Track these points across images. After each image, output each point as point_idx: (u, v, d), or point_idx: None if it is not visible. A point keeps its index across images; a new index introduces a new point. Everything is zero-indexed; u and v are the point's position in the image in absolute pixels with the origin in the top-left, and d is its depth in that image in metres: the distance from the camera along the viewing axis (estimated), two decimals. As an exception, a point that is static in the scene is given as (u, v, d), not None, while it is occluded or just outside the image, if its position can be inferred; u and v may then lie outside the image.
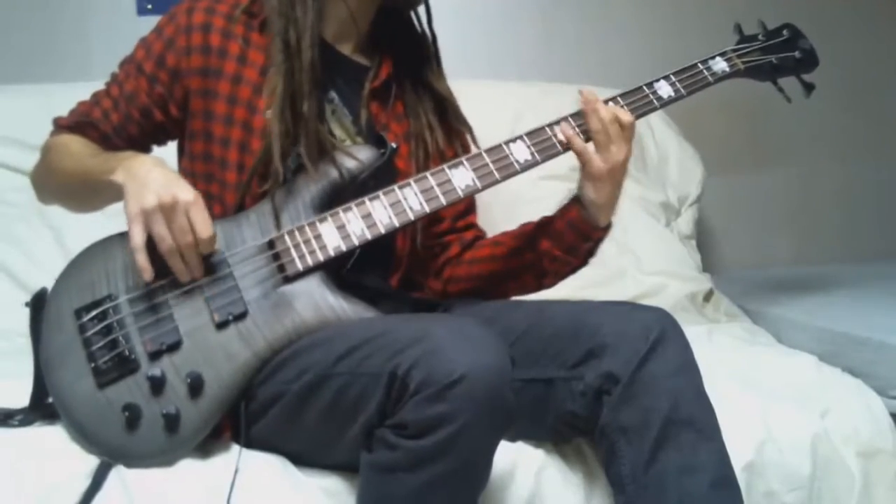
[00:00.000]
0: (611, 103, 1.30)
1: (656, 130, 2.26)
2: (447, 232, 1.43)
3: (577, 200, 1.31)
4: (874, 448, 1.41)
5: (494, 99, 2.03)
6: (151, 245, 1.12)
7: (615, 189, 1.28)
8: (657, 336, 1.14)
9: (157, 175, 1.13)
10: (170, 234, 1.11)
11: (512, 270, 1.38)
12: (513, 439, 1.23)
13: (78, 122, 1.31)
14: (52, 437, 1.12)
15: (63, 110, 1.35)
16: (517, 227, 1.40)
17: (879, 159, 2.69)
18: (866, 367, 1.61)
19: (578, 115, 1.29)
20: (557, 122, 1.29)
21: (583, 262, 1.35)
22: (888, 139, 2.70)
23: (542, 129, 1.29)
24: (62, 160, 1.27)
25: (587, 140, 1.28)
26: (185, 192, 1.12)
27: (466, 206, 1.45)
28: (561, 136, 1.28)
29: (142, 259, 1.11)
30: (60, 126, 1.33)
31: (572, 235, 1.31)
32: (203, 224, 1.12)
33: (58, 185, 1.31)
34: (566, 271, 1.36)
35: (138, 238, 1.11)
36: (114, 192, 1.16)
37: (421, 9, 1.37)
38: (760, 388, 1.44)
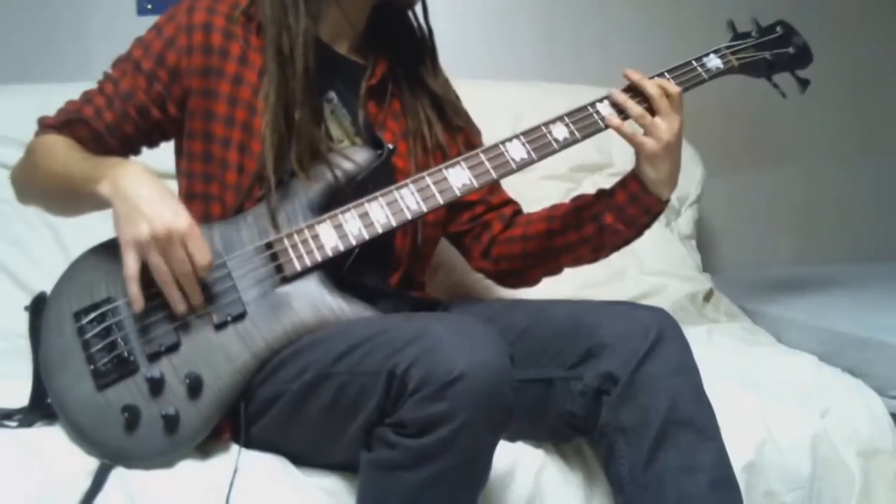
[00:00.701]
0: (606, 102, 1.31)
1: (656, 130, 2.26)
2: (484, 212, 1.44)
3: (636, 175, 1.32)
4: (874, 448, 1.41)
5: (494, 99, 2.03)
6: (146, 267, 1.11)
7: (674, 163, 1.30)
8: (656, 336, 1.14)
9: (146, 193, 1.11)
10: (165, 263, 1.10)
11: (569, 244, 1.39)
12: (512, 439, 1.23)
13: (67, 121, 1.28)
14: (52, 438, 1.12)
15: (63, 111, 1.33)
16: (568, 201, 1.41)
17: (879, 159, 2.68)
18: (866, 367, 1.60)
19: (626, 92, 1.31)
20: (553, 121, 1.30)
21: (637, 235, 1.38)
22: (888, 139, 2.69)
23: (537, 127, 1.29)
24: (47, 163, 1.24)
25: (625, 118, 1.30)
26: (179, 220, 1.10)
27: (491, 186, 1.44)
28: (557, 134, 1.28)
29: (135, 290, 1.11)
30: (46, 125, 1.30)
31: (635, 209, 1.33)
32: (200, 253, 1.11)
33: (41, 188, 1.29)
34: (621, 245, 1.39)
35: (132, 268, 1.10)
36: (98, 202, 1.15)
37: (417, 5, 1.37)
38: (760, 388, 1.44)
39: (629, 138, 1.29)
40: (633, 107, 1.28)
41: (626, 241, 1.38)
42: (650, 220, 1.36)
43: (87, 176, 1.17)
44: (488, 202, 1.44)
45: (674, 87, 1.30)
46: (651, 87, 1.28)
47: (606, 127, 1.31)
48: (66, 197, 1.24)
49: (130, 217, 1.10)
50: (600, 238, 1.36)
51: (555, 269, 1.44)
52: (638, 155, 1.30)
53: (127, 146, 1.30)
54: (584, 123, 1.30)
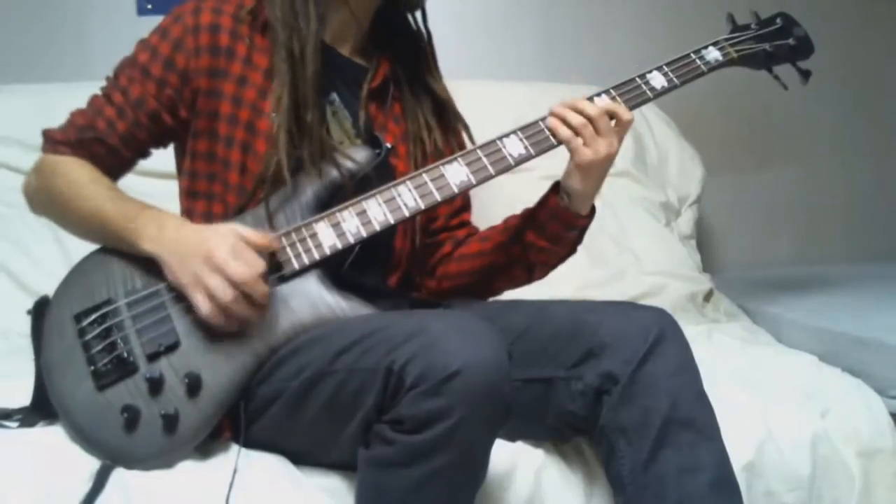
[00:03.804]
0: (604, 96, 1.29)
1: (656, 130, 2.26)
2: (441, 230, 1.44)
3: (556, 190, 1.31)
4: (874, 448, 1.41)
5: (494, 99, 2.03)
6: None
7: (600, 181, 1.29)
8: (656, 336, 1.14)
9: (186, 233, 1.14)
10: (224, 280, 1.10)
11: (500, 265, 1.37)
12: (512, 439, 1.23)
13: (81, 139, 1.26)
14: (53, 439, 1.12)
15: (63, 110, 1.30)
16: (502, 221, 1.40)
17: (879, 159, 2.69)
18: (866, 367, 1.60)
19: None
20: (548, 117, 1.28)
21: (570, 251, 1.36)
22: (888, 139, 2.70)
23: (535, 122, 1.29)
24: (75, 201, 1.22)
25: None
26: (223, 240, 1.12)
27: (461, 204, 1.46)
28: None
29: (217, 316, 1.11)
30: (56, 141, 1.27)
31: (555, 225, 1.31)
32: (262, 295, 1.12)
33: (66, 223, 1.27)
34: (554, 262, 1.36)
35: (205, 307, 1.10)
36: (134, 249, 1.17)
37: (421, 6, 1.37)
38: (760, 388, 1.44)
39: (566, 140, 1.25)
40: (574, 117, 1.25)
41: (561, 258, 1.36)
42: (578, 235, 1.34)
43: (123, 227, 1.17)
44: (447, 223, 1.44)
45: (627, 115, 1.26)
46: (591, 108, 1.25)
47: (558, 143, 1.27)
48: (97, 237, 1.23)
49: (184, 263, 1.12)
50: (526, 257, 1.34)
51: (489, 290, 1.41)
52: (571, 162, 1.27)
53: (140, 153, 1.31)
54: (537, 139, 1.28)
